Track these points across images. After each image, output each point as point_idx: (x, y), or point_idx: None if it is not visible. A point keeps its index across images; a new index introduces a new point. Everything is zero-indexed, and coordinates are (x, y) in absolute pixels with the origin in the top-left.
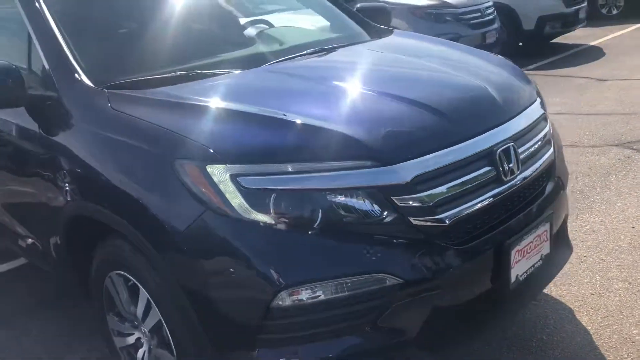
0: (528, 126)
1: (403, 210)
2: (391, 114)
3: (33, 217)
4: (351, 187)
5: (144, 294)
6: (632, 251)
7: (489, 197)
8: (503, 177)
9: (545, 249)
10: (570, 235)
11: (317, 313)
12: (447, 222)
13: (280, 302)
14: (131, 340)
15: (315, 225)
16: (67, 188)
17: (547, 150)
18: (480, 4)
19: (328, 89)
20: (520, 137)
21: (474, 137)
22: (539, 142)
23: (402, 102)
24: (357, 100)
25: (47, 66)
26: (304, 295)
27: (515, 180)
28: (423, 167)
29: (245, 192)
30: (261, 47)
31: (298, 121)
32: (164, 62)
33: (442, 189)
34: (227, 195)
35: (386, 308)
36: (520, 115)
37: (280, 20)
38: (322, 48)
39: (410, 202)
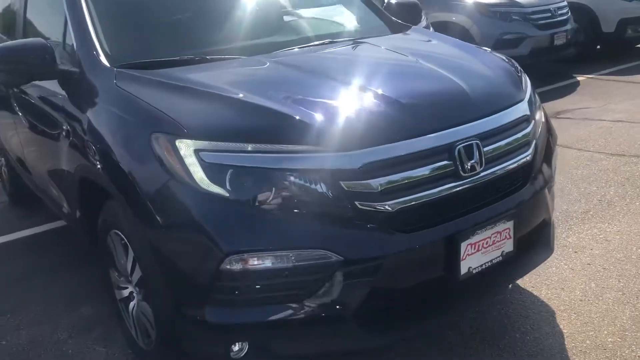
0: (501, 126)
1: (350, 195)
2: (354, 105)
3: (62, 179)
4: (303, 168)
5: (130, 251)
6: (638, 263)
7: (444, 190)
8: (461, 173)
9: (508, 246)
10: (581, 243)
11: (262, 280)
12: (392, 209)
13: (229, 266)
14: (125, 293)
15: (267, 201)
16: (80, 152)
17: (523, 152)
18: (552, 4)
19: (305, 78)
20: (490, 136)
21: (433, 132)
22: (513, 143)
23: (370, 94)
24: (327, 91)
25: (75, 46)
26: (251, 262)
27: (476, 177)
28: (373, 156)
29: (206, 166)
30: (274, 37)
31: (262, 105)
32: (176, 46)
33: (391, 178)
34: (190, 168)
35: (326, 282)
36: (494, 115)
37: (315, 13)
38: (330, 40)
39: (357, 188)
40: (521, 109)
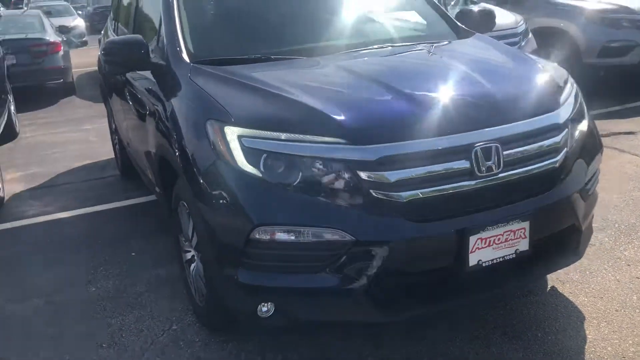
0: (525, 132)
1: (366, 184)
2: (382, 104)
3: (149, 157)
4: (327, 157)
5: (191, 219)
6: None
7: (458, 187)
8: (477, 173)
9: (523, 245)
10: (638, 257)
11: (285, 250)
12: (404, 200)
13: (257, 236)
14: (189, 256)
15: (294, 183)
16: (161, 134)
17: (549, 158)
18: None
19: (349, 78)
20: (512, 141)
21: (452, 133)
22: (538, 149)
23: (400, 95)
24: (363, 90)
25: (165, 42)
26: (276, 234)
27: (492, 177)
28: (389, 151)
29: (245, 150)
30: (340, 40)
31: (300, 101)
32: (250, 46)
33: (405, 171)
34: (233, 151)
35: (341, 258)
36: (519, 122)
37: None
38: (390, 45)
39: (373, 178)
40: (552, 118)
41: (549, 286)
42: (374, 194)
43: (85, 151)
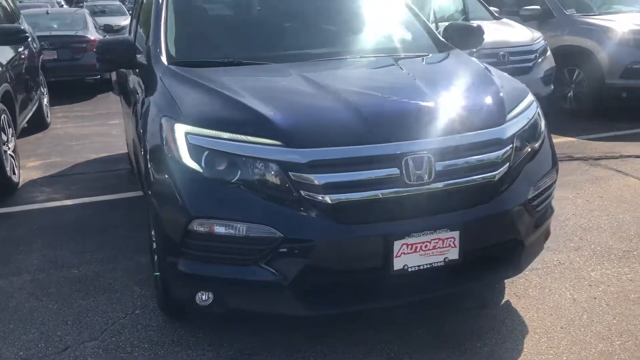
0: (463, 145)
1: (297, 185)
2: (321, 110)
3: (133, 151)
4: (263, 158)
5: None
6: None
7: (387, 194)
8: (406, 181)
9: (452, 254)
10: (602, 278)
11: (220, 243)
12: (331, 202)
13: (195, 228)
14: (154, 245)
15: (232, 180)
16: (136, 128)
17: (487, 172)
18: None
19: (301, 84)
20: (447, 153)
21: (384, 142)
22: (475, 163)
23: (340, 103)
24: (309, 97)
25: (150, 43)
26: (211, 227)
27: (423, 186)
28: (319, 155)
29: (190, 146)
30: (315, 48)
31: (245, 104)
32: (226, 50)
33: (334, 175)
34: (179, 147)
35: (270, 253)
36: (458, 135)
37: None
38: (361, 55)
39: (303, 180)
40: (493, 133)
41: (504, 300)
42: (303, 194)
43: (106, 144)
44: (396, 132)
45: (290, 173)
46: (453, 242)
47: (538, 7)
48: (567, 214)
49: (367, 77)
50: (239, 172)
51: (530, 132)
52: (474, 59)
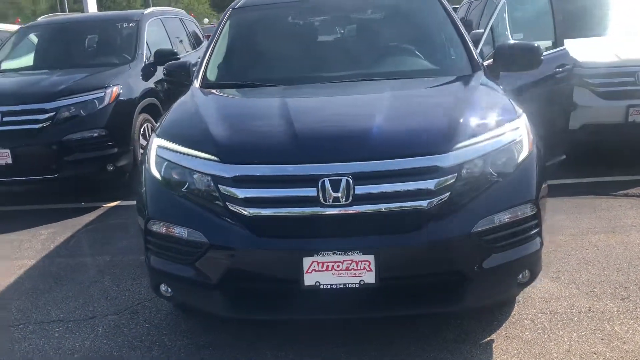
0: (387, 171)
1: (224, 197)
2: (260, 131)
3: None
4: (201, 171)
5: None
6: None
7: (303, 212)
8: (322, 202)
9: (368, 277)
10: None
11: (168, 242)
12: (250, 215)
13: (151, 227)
14: None
15: (178, 189)
16: None
17: (415, 200)
18: None
19: (271, 106)
20: (369, 177)
21: (304, 163)
22: (402, 190)
23: (284, 126)
24: (261, 117)
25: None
26: (161, 228)
27: (339, 208)
28: (243, 171)
29: (157, 157)
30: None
31: (205, 121)
32: (251, 73)
33: (255, 190)
34: (151, 157)
35: (202, 256)
36: (384, 160)
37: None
38: (362, 78)
39: (228, 193)
40: (428, 161)
41: (488, 338)
42: (229, 206)
43: None
44: (317, 155)
45: (219, 186)
46: (368, 266)
47: None
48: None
49: (341, 102)
50: (187, 182)
51: (495, 162)
52: (485, 83)
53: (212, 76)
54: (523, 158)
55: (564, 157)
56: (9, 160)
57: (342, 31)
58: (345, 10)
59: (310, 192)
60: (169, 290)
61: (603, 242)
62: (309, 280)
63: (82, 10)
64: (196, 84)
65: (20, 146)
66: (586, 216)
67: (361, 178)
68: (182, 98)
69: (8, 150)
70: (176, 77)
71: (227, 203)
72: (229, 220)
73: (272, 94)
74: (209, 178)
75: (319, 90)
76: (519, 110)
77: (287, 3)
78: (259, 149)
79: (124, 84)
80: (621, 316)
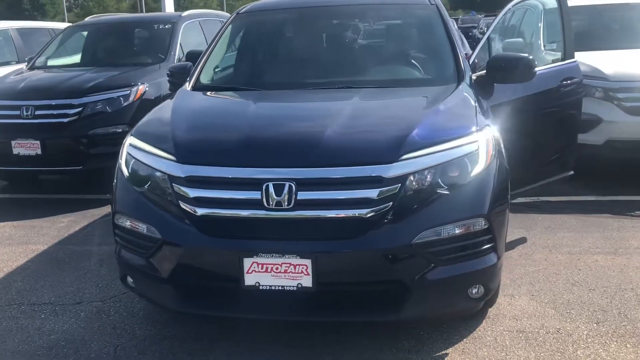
0: (328, 179)
1: (177, 195)
2: (219, 134)
3: None
4: (160, 169)
5: None
6: None
7: (246, 214)
8: (265, 205)
9: (306, 281)
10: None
11: (129, 236)
12: (198, 214)
13: (117, 221)
14: None
15: (140, 185)
16: None
17: (355, 208)
18: None
19: (241, 109)
20: (311, 184)
21: (249, 167)
22: (341, 197)
23: (243, 130)
24: (224, 121)
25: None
26: (125, 221)
27: (281, 212)
28: (194, 171)
29: (127, 155)
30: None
31: (171, 122)
32: (242, 78)
33: (203, 190)
34: (123, 155)
35: (157, 251)
36: (326, 168)
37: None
38: (348, 85)
39: (180, 192)
40: (370, 170)
41: (441, 352)
42: (181, 205)
43: None
44: (263, 159)
45: (174, 185)
46: (305, 270)
47: None
48: (611, 283)
49: (304, 108)
50: (150, 180)
51: (445, 174)
52: (459, 94)
53: (205, 79)
54: (477, 172)
55: (572, 172)
56: (39, 151)
57: (334, 39)
58: (342, 18)
59: (255, 195)
60: (132, 281)
61: (599, 264)
62: (249, 280)
63: (160, 10)
64: (187, 86)
65: (50, 138)
66: (591, 235)
67: (304, 184)
68: (167, 100)
69: (38, 142)
70: (177, 79)
71: (179, 201)
72: (181, 218)
73: (246, 98)
74: (166, 176)
75: (292, 96)
76: (482, 123)
77: (290, 9)
78: (211, 151)
79: (151, 83)
80: (589, 340)
